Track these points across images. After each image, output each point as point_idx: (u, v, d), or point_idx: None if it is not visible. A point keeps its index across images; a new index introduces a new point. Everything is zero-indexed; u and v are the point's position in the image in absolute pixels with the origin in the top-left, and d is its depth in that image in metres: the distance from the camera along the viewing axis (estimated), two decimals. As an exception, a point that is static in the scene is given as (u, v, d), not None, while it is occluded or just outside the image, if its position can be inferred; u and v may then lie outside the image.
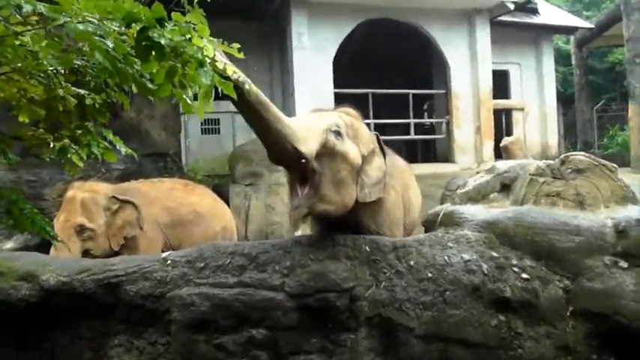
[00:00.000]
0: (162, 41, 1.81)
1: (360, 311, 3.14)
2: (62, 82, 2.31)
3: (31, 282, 3.58)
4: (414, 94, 11.42)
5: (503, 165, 3.94)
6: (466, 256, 3.15)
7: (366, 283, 3.18)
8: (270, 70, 11.14)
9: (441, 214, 3.55)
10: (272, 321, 3.21)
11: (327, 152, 3.06)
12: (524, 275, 3.10)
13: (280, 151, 2.88)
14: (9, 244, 6.26)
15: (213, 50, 2.06)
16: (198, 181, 7.99)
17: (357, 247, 3.29)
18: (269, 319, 3.22)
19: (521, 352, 3.02)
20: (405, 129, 11.72)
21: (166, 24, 1.86)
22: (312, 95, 9.77)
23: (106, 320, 3.75)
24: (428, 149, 13.20)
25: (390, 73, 13.07)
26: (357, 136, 3.30)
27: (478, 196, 3.76)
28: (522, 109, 13.30)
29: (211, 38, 2.05)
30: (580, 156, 3.54)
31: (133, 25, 1.83)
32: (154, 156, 8.75)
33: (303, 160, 2.93)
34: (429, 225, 3.65)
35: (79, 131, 2.51)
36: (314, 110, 3.50)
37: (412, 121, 11.20)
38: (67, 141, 2.57)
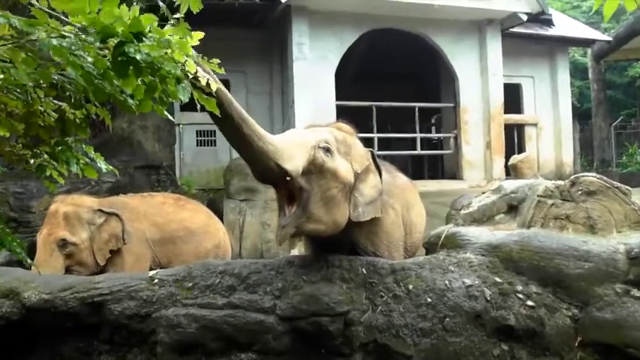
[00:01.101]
0: (138, 57, 1.83)
1: (355, 337, 3.13)
2: (42, 97, 2.33)
3: (13, 299, 3.59)
4: (420, 108, 11.44)
5: (510, 185, 3.93)
6: (468, 281, 3.14)
7: (361, 308, 3.17)
8: (271, 81, 11.20)
9: (443, 236, 3.54)
10: (262, 345, 3.21)
11: (315, 169, 3.07)
12: (530, 302, 3.09)
13: (263, 168, 2.91)
14: (-5, 259, 6.28)
15: (195, 66, 2.09)
16: (192, 195, 8.02)
17: (353, 269, 3.29)
18: (259, 343, 3.22)
19: (525, 385, 2.99)
20: (411, 144, 11.74)
21: (145, 39, 1.89)
22: (313, 107, 9.80)
23: (90, 340, 3.76)
24: (435, 165, 13.19)
25: (396, 86, 13.11)
26: (350, 153, 3.32)
27: (483, 217, 3.75)
28: (535, 125, 13.30)
29: (193, 52, 2.08)
30: (591, 177, 3.53)
31: (110, 39, 1.86)
32: (146, 168, 8.82)
33: (289, 178, 2.95)
34: (431, 247, 3.65)
35: (59, 148, 2.53)
36: (307, 126, 3.52)
37: (418, 135, 11.21)
38: (46, 157, 2.59)
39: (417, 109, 11.25)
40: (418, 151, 11.42)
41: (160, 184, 8.74)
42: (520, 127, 13.27)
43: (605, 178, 3.57)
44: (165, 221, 5.10)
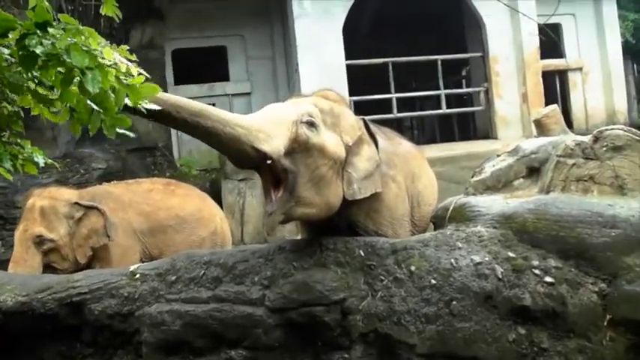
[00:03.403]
0: (39, 50, 1.89)
1: (354, 327, 3.14)
2: None
3: (-12, 303, 3.68)
4: (443, 61, 11.23)
5: (530, 144, 3.85)
6: (477, 258, 3.11)
7: (359, 294, 3.17)
8: (272, 44, 11.09)
9: (451, 208, 3.50)
10: (252, 340, 3.25)
11: (300, 147, 3.05)
12: (548, 279, 3.04)
13: (238, 154, 2.92)
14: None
15: (112, 53, 2.13)
16: (193, 177, 8.06)
17: (350, 251, 3.28)
18: (249, 338, 3.25)
19: (546, 371, 2.96)
20: (438, 102, 11.58)
21: (50, 29, 1.93)
22: (320, 69, 9.65)
23: (72, 343, 3.84)
24: (466, 125, 12.99)
25: (415, 38, 12.89)
26: (339, 124, 3.28)
27: (498, 183, 3.68)
28: (580, 69, 12.94)
29: (102, 40, 2.10)
30: (617, 130, 3.43)
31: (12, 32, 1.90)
32: (140, 151, 8.87)
33: (270, 161, 2.94)
34: (438, 221, 3.62)
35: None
36: (291, 98, 3.49)
37: (443, 92, 11.02)
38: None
39: (439, 62, 11.03)
40: (444, 110, 11.23)
41: (157, 167, 8.79)
42: (562, 74, 12.95)
43: (634, 129, 3.47)
44: (153, 209, 5.13)
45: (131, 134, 2.42)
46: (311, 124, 3.10)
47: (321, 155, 3.12)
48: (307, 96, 3.46)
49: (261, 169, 3.08)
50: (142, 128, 8.96)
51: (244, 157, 2.92)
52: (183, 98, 2.77)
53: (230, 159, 3.01)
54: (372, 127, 3.58)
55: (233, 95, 10.99)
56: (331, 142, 3.18)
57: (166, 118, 2.65)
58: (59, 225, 4.70)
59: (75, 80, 2.03)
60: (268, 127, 2.96)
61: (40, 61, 1.94)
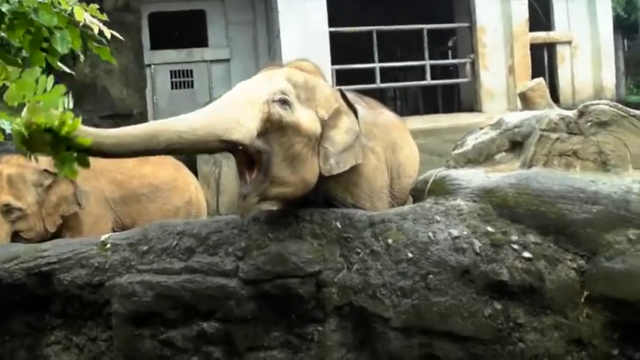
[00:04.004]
0: (4, 8, 1.88)
1: (328, 300, 3.17)
2: None
3: (-45, 273, 3.65)
4: (430, 30, 11.19)
5: (513, 118, 3.84)
6: (455, 232, 3.12)
7: (335, 266, 3.19)
8: (253, 9, 10.97)
9: (431, 181, 3.51)
10: (225, 312, 3.27)
11: (273, 127, 3.03)
12: (526, 254, 3.06)
13: (208, 151, 2.97)
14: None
15: (83, 13, 2.12)
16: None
17: (326, 223, 3.29)
18: (221, 310, 3.27)
19: (522, 347, 3.00)
20: (422, 73, 11.56)
21: None
22: (302, 36, 9.58)
23: (41, 314, 3.84)
24: (451, 97, 13.03)
25: (403, 5, 12.81)
26: (314, 98, 3.25)
27: (479, 157, 3.68)
28: (569, 43, 12.96)
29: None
30: (603, 105, 3.43)
31: None
32: (114, 118, 8.80)
33: (241, 147, 2.95)
34: (417, 194, 3.63)
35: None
36: (264, 70, 3.44)
37: (428, 62, 11.01)
38: None
39: (425, 31, 11.00)
40: (428, 81, 11.23)
41: (132, 135, 8.72)
42: (550, 47, 12.96)
43: (620, 105, 3.48)
44: (126, 178, 5.12)
45: (67, 69, 2.38)
46: (284, 102, 3.07)
47: (296, 133, 3.10)
48: (281, 66, 3.42)
49: (235, 151, 3.07)
50: (116, 94, 8.88)
51: (215, 150, 2.98)
52: (135, 131, 2.79)
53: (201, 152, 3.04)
54: (352, 95, 3.56)
55: (212, 62, 10.91)
56: (306, 118, 3.15)
57: (130, 148, 2.71)
58: (27, 193, 4.67)
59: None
60: (237, 112, 2.94)
61: (7, 19, 1.92)
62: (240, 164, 3.13)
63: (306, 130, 3.13)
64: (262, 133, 2.99)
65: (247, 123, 2.93)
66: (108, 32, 2.20)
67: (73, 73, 2.17)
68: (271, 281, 3.19)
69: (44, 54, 2.08)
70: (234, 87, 3.28)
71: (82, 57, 2.43)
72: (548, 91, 4.61)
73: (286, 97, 3.09)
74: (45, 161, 4.88)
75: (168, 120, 2.92)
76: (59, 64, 2.13)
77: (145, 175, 5.21)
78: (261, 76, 3.30)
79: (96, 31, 2.16)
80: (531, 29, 11.61)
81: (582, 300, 3.05)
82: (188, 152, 2.99)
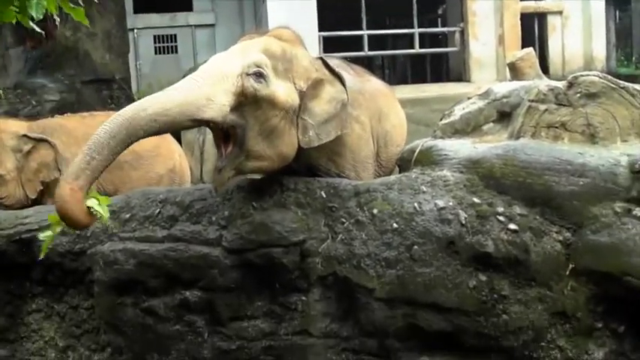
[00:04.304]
0: None
1: (312, 269, 3.19)
2: None
3: None
4: (418, -4, 11.11)
5: (501, 88, 3.83)
6: (441, 203, 3.13)
7: (319, 236, 3.20)
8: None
9: (417, 151, 3.51)
10: (208, 281, 3.28)
11: (247, 100, 3.00)
12: (512, 226, 3.07)
13: (184, 127, 3.10)
14: None
15: None
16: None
17: (311, 192, 3.29)
18: (204, 279, 3.29)
19: (506, 319, 3.03)
20: (410, 41, 11.50)
21: None
22: (289, 2, 9.40)
23: (22, 282, 3.86)
24: (439, 66, 12.98)
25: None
26: (292, 68, 3.20)
27: (467, 127, 3.67)
28: (560, 13, 12.95)
29: None
30: (592, 76, 3.41)
31: None
32: (96, 83, 8.76)
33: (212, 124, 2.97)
34: (404, 164, 3.63)
35: None
36: (243, 39, 3.39)
37: (416, 30, 10.94)
38: None
39: (414, -2, 10.91)
40: (416, 50, 11.18)
41: (114, 100, 8.69)
42: (541, 17, 12.94)
43: (609, 77, 3.48)
44: None
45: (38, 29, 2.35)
46: (259, 75, 3.02)
47: (271, 107, 3.06)
48: (260, 35, 3.38)
49: (210, 126, 3.07)
50: (98, 59, 8.79)
51: (190, 127, 3.10)
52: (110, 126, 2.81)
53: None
54: (339, 62, 3.53)
55: (196, 26, 10.79)
56: (282, 91, 3.10)
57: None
58: (6, 158, 4.63)
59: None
60: (207, 89, 2.91)
61: None
62: (216, 138, 3.11)
63: (282, 102, 3.09)
64: (236, 107, 2.97)
65: (219, 100, 2.91)
66: None
67: (42, 32, 2.13)
68: (255, 250, 3.19)
69: (15, 11, 2.04)
70: (214, 55, 3.25)
71: (57, 19, 2.38)
72: (537, 61, 4.59)
73: (261, 69, 3.04)
74: (24, 126, 4.86)
75: (141, 104, 2.90)
76: (30, 23, 2.09)
77: None
78: (237, 47, 3.25)
79: None
80: (522, -2, 11.56)
81: (567, 273, 3.08)
82: (166, 131, 3.00)
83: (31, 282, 3.87)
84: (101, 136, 2.76)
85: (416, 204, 3.15)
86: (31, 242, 3.67)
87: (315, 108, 3.23)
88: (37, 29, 2.06)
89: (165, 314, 3.36)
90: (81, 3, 2.28)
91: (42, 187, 4.72)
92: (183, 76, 8.86)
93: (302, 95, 3.20)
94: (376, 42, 11.49)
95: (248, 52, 3.13)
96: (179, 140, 6.40)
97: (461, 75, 11.43)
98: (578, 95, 3.39)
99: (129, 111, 2.85)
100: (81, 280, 3.70)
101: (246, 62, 3.03)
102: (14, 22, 2.09)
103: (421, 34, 11.27)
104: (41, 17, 2.06)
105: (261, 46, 3.19)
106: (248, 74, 3.00)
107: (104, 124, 2.82)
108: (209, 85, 2.93)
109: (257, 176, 3.51)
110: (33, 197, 4.67)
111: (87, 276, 3.64)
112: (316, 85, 3.27)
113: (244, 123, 3.01)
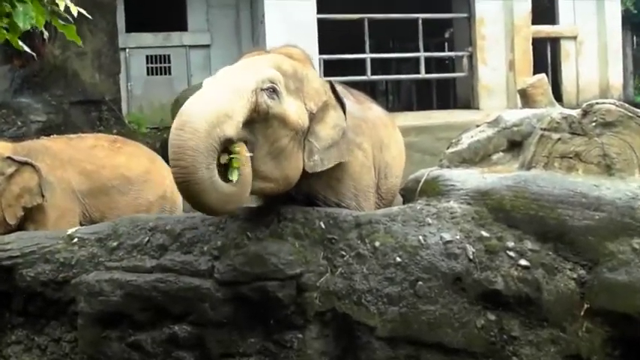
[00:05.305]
0: None
1: (310, 305, 3.14)
2: None
3: None
4: (425, 20, 11.17)
5: (512, 116, 3.83)
6: (447, 236, 3.10)
7: (317, 269, 3.16)
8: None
9: (423, 181, 3.49)
10: (198, 315, 3.24)
11: (259, 117, 2.97)
12: (523, 262, 3.04)
13: None
14: None
15: None
16: (142, 135, 7.96)
17: (309, 222, 3.26)
18: (194, 313, 3.25)
19: (516, 361, 2.99)
20: (416, 65, 11.56)
21: None
22: (288, 23, 9.51)
23: (1, 312, 3.80)
24: (446, 92, 13.05)
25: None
26: (302, 89, 3.20)
27: (475, 156, 3.66)
28: (574, 38, 13.03)
29: None
30: (608, 105, 3.40)
31: None
32: (85, 104, 8.82)
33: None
34: (408, 194, 3.61)
35: None
36: (248, 55, 3.38)
37: (422, 54, 10.99)
38: None
39: (420, 21, 10.98)
40: (422, 75, 11.23)
41: (103, 122, 8.75)
42: (554, 42, 13.02)
43: (626, 105, 3.46)
44: (95, 168, 5.08)
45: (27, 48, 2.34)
46: (273, 91, 3.00)
47: (282, 126, 3.04)
48: (268, 52, 3.37)
49: None
50: (88, 79, 8.85)
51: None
52: None
53: None
54: (340, 88, 3.52)
55: (190, 47, 10.87)
56: (293, 110, 3.09)
57: None
58: None
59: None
60: (225, 103, 2.86)
61: None
62: None
63: (293, 123, 3.08)
64: (248, 123, 2.93)
65: (235, 115, 2.86)
66: (75, 9, 2.15)
67: (33, 54, 2.12)
68: (249, 283, 3.16)
69: (4, 31, 2.04)
70: (216, 73, 3.21)
71: (45, 34, 2.38)
72: (550, 88, 4.59)
73: (275, 86, 3.02)
74: (9, 148, 4.83)
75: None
76: (20, 42, 2.08)
77: (117, 166, 5.16)
78: (245, 62, 3.24)
79: (62, 7, 2.11)
80: (534, 22, 11.64)
81: (582, 313, 3.04)
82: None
83: (11, 312, 3.82)
84: None
85: (421, 237, 3.13)
86: (11, 269, 3.64)
87: (321, 132, 3.23)
88: (26, 48, 2.05)
89: (152, 350, 3.31)
90: (71, 20, 2.26)
91: (23, 213, 4.68)
92: (176, 99, 8.93)
93: (311, 117, 3.19)
94: (380, 66, 11.56)
95: (260, 67, 3.11)
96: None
97: (469, 102, 11.48)
98: (594, 124, 3.37)
99: None
100: (64, 311, 3.64)
101: (260, 77, 3.00)
102: (2, 41, 2.08)
103: (427, 59, 11.33)
104: (28, 28, 2.04)
105: (272, 62, 3.18)
106: (262, 89, 2.97)
107: None
108: (226, 101, 2.88)
109: (252, 204, 3.48)
110: (13, 223, 4.63)
111: (70, 307, 3.58)
112: (324, 108, 3.27)
113: (254, 140, 2.98)
